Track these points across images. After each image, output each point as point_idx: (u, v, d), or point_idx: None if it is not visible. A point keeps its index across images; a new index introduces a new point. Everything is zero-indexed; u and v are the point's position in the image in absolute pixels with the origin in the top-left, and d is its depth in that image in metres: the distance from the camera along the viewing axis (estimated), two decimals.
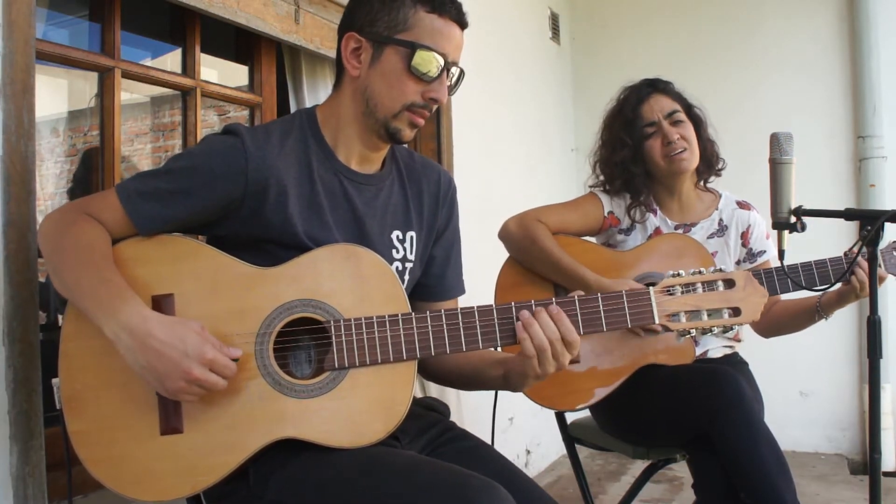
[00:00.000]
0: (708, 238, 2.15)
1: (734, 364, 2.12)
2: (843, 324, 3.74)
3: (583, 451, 2.30)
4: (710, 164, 2.16)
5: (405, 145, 1.49)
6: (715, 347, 2.15)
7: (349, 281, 1.28)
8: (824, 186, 3.81)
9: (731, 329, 1.32)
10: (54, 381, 1.25)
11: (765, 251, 2.17)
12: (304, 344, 1.31)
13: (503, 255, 2.11)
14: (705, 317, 1.29)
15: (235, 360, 1.20)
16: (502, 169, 3.55)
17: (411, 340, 1.26)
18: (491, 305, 1.29)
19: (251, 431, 1.22)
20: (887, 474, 3.51)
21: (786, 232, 1.58)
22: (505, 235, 2.09)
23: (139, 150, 3.99)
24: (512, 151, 3.70)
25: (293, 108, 2.63)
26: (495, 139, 3.53)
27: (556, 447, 3.75)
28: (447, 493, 1.11)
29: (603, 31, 4.43)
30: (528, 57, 3.97)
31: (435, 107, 1.37)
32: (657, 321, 1.29)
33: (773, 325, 2.13)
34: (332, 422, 1.23)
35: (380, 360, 1.25)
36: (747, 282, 1.29)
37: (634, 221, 2.13)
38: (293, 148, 1.35)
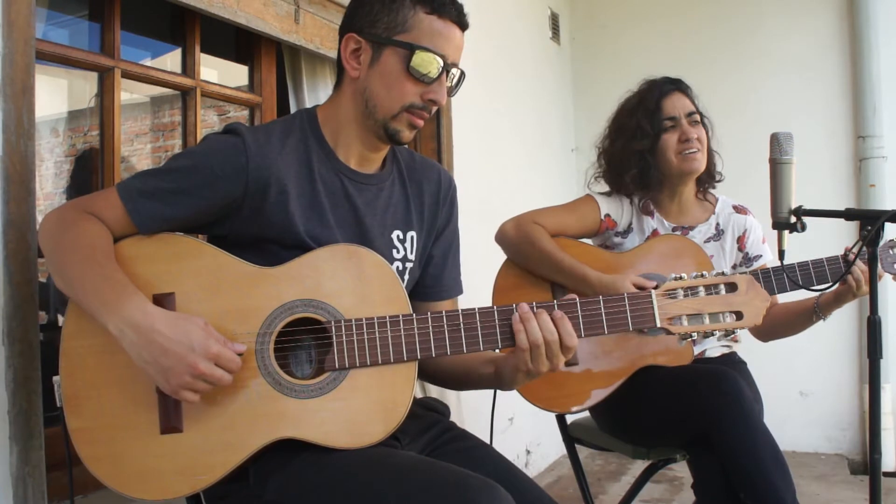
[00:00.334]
0: (704, 242, 2.15)
1: (733, 364, 2.12)
2: (842, 324, 3.75)
3: (583, 451, 2.30)
4: (711, 173, 2.17)
5: (405, 145, 1.49)
6: (713, 347, 2.16)
7: (350, 281, 1.28)
8: (824, 186, 3.81)
9: (733, 332, 1.31)
10: (55, 378, 1.25)
11: (761, 255, 2.17)
12: (305, 344, 1.31)
13: (503, 255, 2.11)
14: (707, 320, 1.29)
15: (240, 354, 1.20)
16: (502, 169, 3.55)
17: (412, 341, 1.26)
18: (492, 307, 1.29)
19: (251, 431, 1.22)
20: (887, 474, 3.51)
21: (786, 232, 1.58)
22: (502, 238, 2.08)
23: (139, 150, 3.99)
24: (512, 151, 3.70)
25: (293, 108, 2.63)
26: (495, 139, 3.53)
27: (556, 447, 3.75)
28: (447, 493, 1.11)
29: (603, 31, 4.43)
30: (528, 57, 3.97)
31: (434, 108, 1.37)
32: (659, 324, 1.29)
33: (771, 327, 2.11)
34: (333, 422, 1.23)
35: (380, 361, 1.25)
36: (749, 286, 1.29)
37: (641, 213, 2.13)
38: (294, 147, 1.35)
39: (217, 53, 2.73)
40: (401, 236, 1.45)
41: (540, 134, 4.07)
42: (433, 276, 1.53)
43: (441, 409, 1.52)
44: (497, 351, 1.42)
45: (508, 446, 3.30)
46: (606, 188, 2.23)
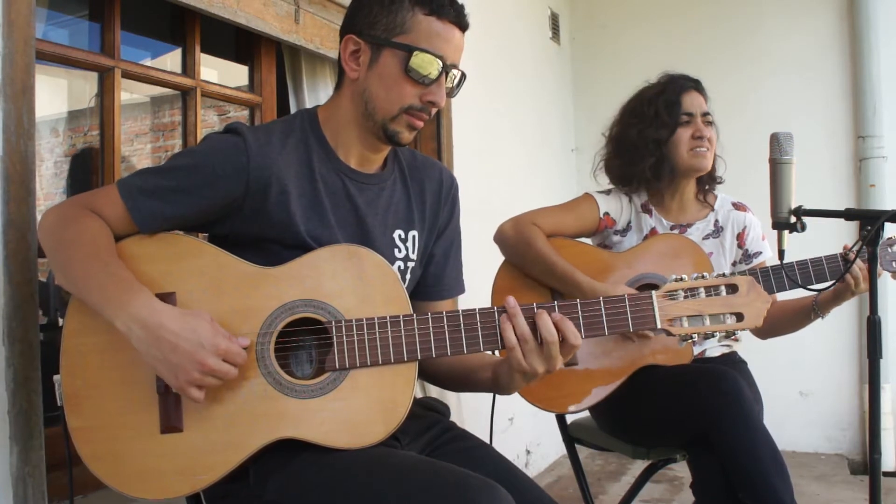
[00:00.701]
0: (703, 239, 2.15)
1: (733, 363, 2.12)
2: (842, 324, 3.75)
3: (583, 451, 2.30)
4: (712, 176, 2.19)
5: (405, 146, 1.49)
6: (713, 347, 2.16)
7: (351, 281, 1.28)
8: (824, 186, 3.81)
9: (734, 334, 1.31)
10: (55, 377, 1.25)
11: (760, 252, 2.18)
12: (306, 344, 1.31)
13: (502, 255, 2.11)
14: (707, 322, 1.29)
15: (245, 349, 1.21)
16: (502, 169, 3.55)
17: (412, 342, 1.26)
18: (493, 308, 1.29)
19: (251, 431, 1.22)
20: (887, 474, 3.51)
21: (786, 232, 1.58)
22: (500, 239, 2.08)
23: (139, 150, 3.99)
24: (512, 151, 3.70)
25: (293, 109, 2.63)
26: (495, 139, 3.53)
27: (556, 447, 3.75)
28: (447, 493, 1.11)
29: (603, 31, 4.43)
30: (528, 57, 3.97)
31: (434, 110, 1.37)
32: (659, 326, 1.29)
33: (770, 325, 2.10)
34: (333, 422, 1.23)
35: (381, 361, 1.25)
36: (750, 287, 1.29)
37: (640, 211, 2.13)
38: (294, 147, 1.35)
39: (217, 53, 2.74)
40: (402, 235, 1.45)
41: (540, 134, 4.07)
42: (434, 276, 1.53)
43: (441, 409, 1.52)
44: (497, 354, 1.42)
45: (508, 446, 3.30)
46: (605, 186, 2.23)
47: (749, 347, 2.22)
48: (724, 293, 1.29)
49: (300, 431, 1.23)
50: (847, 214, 1.56)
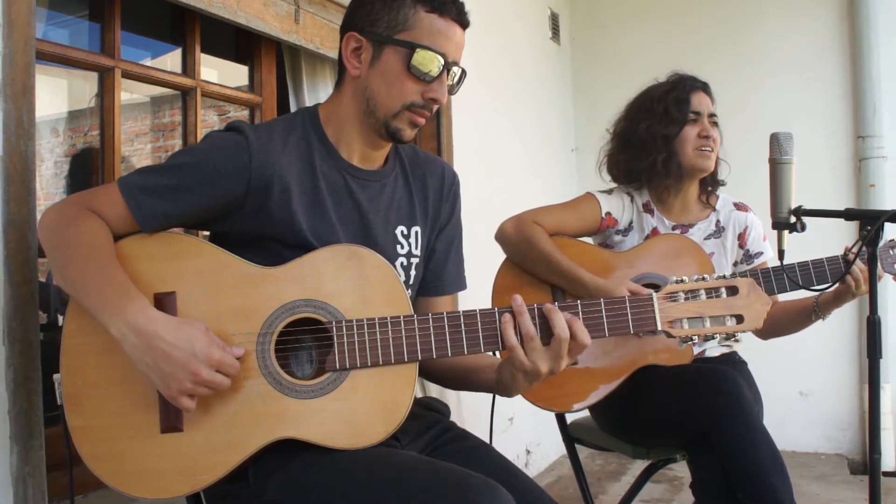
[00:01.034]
0: (704, 239, 2.15)
1: (733, 363, 2.12)
2: (842, 324, 3.75)
3: (583, 451, 2.30)
4: (715, 178, 2.19)
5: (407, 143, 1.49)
6: (713, 347, 2.16)
7: (351, 282, 1.28)
8: (824, 186, 3.81)
9: (733, 336, 1.31)
10: (55, 377, 1.25)
11: (762, 252, 2.18)
12: (306, 344, 1.31)
13: (503, 255, 2.10)
14: (708, 324, 1.29)
15: (238, 358, 1.20)
16: (502, 169, 3.55)
17: (413, 342, 1.26)
18: (493, 308, 1.28)
19: (251, 431, 1.22)
20: (887, 474, 3.51)
21: (786, 232, 1.58)
22: (501, 237, 2.08)
23: (139, 150, 3.99)
24: (512, 151, 3.70)
25: (293, 109, 2.63)
26: (495, 139, 3.53)
27: (556, 447, 3.75)
28: (447, 493, 1.11)
29: (603, 31, 4.43)
30: (528, 57, 3.97)
31: (435, 107, 1.37)
32: (660, 327, 1.29)
33: (771, 326, 2.11)
34: (333, 423, 1.23)
35: (381, 362, 1.25)
36: (751, 289, 1.29)
37: (642, 211, 2.13)
38: (296, 145, 1.35)
39: (217, 53, 2.73)
40: (405, 232, 1.45)
41: (540, 134, 4.07)
42: (434, 272, 1.53)
43: (441, 409, 1.52)
44: (498, 355, 1.42)
45: (508, 446, 3.30)
46: (607, 186, 2.23)
47: (749, 348, 2.22)
48: (724, 295, 1.29)
49: (300, 431, 1.23)
50: (847, 214, 1.56)
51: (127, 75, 2.15)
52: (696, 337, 1.29)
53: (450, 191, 1.53)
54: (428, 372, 1.52)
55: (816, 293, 1.98)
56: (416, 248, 1.46)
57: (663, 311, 1.29)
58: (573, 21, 4.50)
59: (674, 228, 2.15)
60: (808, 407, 3.93)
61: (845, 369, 3.86)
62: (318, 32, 2.48)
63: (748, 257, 2.18)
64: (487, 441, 1.44)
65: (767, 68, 4.00)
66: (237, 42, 2.69)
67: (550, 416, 2.21)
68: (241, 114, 3.00)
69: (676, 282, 1.30)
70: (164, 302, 1.23)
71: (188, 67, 2.39)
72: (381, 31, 1.32)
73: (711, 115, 2.12)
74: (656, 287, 1.32)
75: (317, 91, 2.65)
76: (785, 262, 1.61)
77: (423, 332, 1.26)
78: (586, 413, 2.21)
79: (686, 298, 1.29)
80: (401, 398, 1.26)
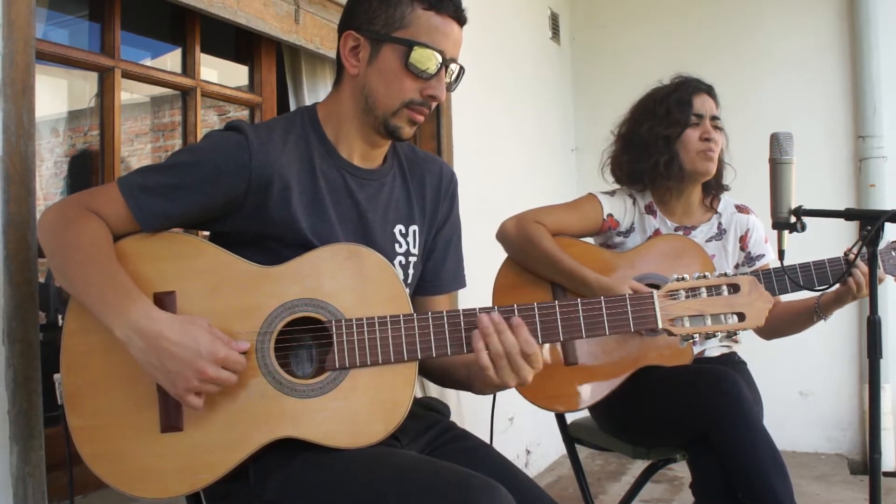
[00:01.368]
0: (706, 242, 2.15)
1: (732, 364, 2.12)
2: (843, 324, 3.74)
3: (583, 451, 2.30)
4: (720, 183, 2.19)
5: (406, 141, 1.49)
6: (713, 347, 2.16)
7: (351, 281, 1.28)
8: (824, 186, 3.81)
9: (735, 334, 1.31)
10: (56, 376, 1.25)
11: (763, 255, 2.18)
12: (306, 343, 1.31)
13: (502, 254, 2.11)
14: (709, 322, 1.29)
15: (244, 353, 1.21)
16: (502, 169, 3.55)
17: (412, 341, 1.26)
18: (493, 307, 1.28)
19: (251, 430, 1.22)
20: (887, 474, 3.51)
21: (786, 232, 1.58)
22: (503, 237, 2.08)
23: (139, 150, 3.98)
24: (512, 151, 3.70)
25: (293, 109, 2.63)
26: (495, 139, 3.52)
27: (556, 447, 3.75)
28: (447, 492, 1.11)
29: (603, 31, 4.43)
30: (528, 57, 3.97)
31: (434, 104, 1.37)
32: (660, 325, 1.28)
33: (774, 326, 2.12)
34: (333, 422, 1.23)
35: (381, 361, 1.25)
36: (752, 287, 1.29)
37: (644, 213, 2.13)
38: (295, 144, 1.35)
39: (217, 53, 2.73)
40: (403, 231, 1.45)
41: (540, 134, 4.07)
42: (433, 270, 1.53)
43: (441, 409, 1.52)
44: None
45: (508, 446, 3.30)
46: (609, 187, 2.23)
47: (749, 348, 2.22)
48: (725, 293, 1.29)
49: (300, 431, 1.23)
50: (847, 214, 1.56)
51: (127, 75, 2.15)
52: (698, 335, 1.29)
53: (447, 190, 1.53)
54: (426, 370, 1.51)
55: (818, 294, 1.98)
56: (414, 247, 1.46)
57: (664, 309, 1.29)
58: (573, 21, 4.50)
59: (676, 230, 2.14)
60: (808, 407, 3.93)
61: (845, 369, 3.86)
62: (318, 32, 2.48)
63: (749, 260, 2.18)
64: (488, 441, 1.44)
65: (767, 68, 4.00)
66: (237, 42, 2.69)
67: (550, 416, 2.21)
68: (241, 114, 3.00)
69: (677, 279, 1.30)
70: (163, 301, 1.23)
71: (188, 67, 2.39)
72: (379, 29, 1.33)
73: (714, 118, 2.11)
74: (657, 288, 1.32)
75: (317, 91, 2.65)
76: (786, 263, 1.61)
77: (423, 330, 1.26)
78: (586, 413, 2.21)
79: (687, 296, 1.29)
80: (400, 397, 1.26)
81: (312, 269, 1.28)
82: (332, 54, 2.46)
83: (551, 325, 1.28)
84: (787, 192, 1.57)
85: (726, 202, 2.22)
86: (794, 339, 2.19)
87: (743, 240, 2.18)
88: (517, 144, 3.77)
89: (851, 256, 1.77)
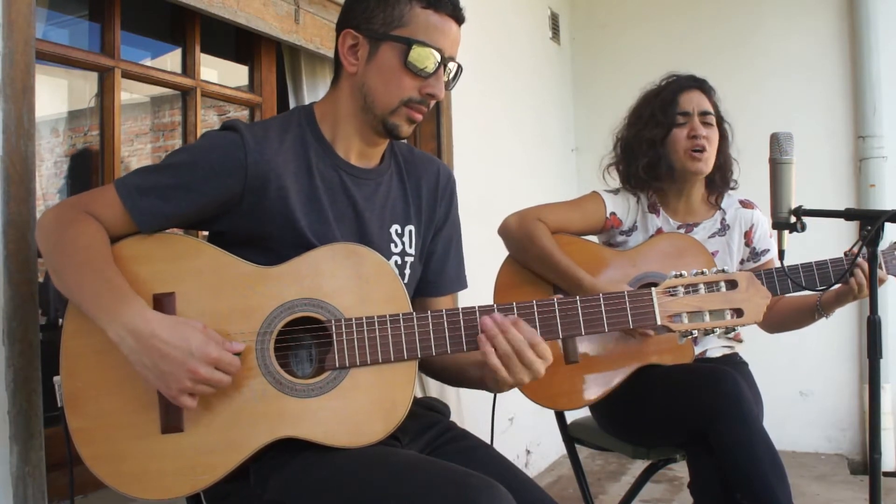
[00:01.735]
0: (709, 238, 2.15)
1: (734, 364, 2.12)
2: (843, 324, 3.74)
3: (583, 451, 2.30)
4: (725, 179, 2.17)
5: (404, 140, 1.49)
6: (714, 347, 2.16)
7: (350, 280, 1.28)
8: (824, 186, 3.81)
9: (734, 330, 1.31)
10: (56, 378, 1.25)
11: (768, 249, 2.17)
12: (306, 343, 1.31)
13: (503, 254, 2.11)
14: (707, 318, 1.29)
15: (238, 354, 1.20)
16: (502, 169, 3.55)
17: (412, 340, 1.26)
18: (493, 305, 1.28)
19: (251, 430, 1.22)
20: (887, 474, 3.51)
21: (786, 232, 1.58)
22: (504, 232, 2.08)
23: (139, 150, 3.98)
24: (512, 151, 3.70)
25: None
26: (495, 139, 3.53)
27: (556, 447, 3.75)
28: (448, 492, 1.11)
29: (603, 31, 4.43)
30: (528, 57, 3.97)
31: (433, 102, 1.37)
32: (659, 322, 1.29)
33: (777, 321, 2.14)
34: (333, 421, 1.23)
35: (380, 360, 1.25)
36: (750, 283, 1.29)
37: (647, 211, 2.13)
38: (292, 143, 1.35)
39: (217, 53, 2.74)
40: (399, 230, 1.45)
41: (540, 134, 4.07)
42: (434, 272, 1.53)
43: (441, 409, 1.52)
44: None
45: (508, 446, 3.30)
46: (613, 186, 2.23)
47: (749, 348, 2.22)
48: (723, 289, 1.29)
49: (300, 430, 1.23)
50: (847, 214, 1.56)
51: (127, 75, 2.15)
52: (697, 331, 1.29)
53: (444, 191, 1.53)
54: (423, 367, 1.51)
55: (819, 291, 1.98)
56: (410, 247, 1.46)
57: (663, 306, 1.29)
58: (573, 21, 4.50)
59: (679, 228, 2.14)
60: (808, 407, 3.93)
61: (845, 369, 3.86)
62: (318, 32, 2.48)
63: (755, 255, 2.18)
64: (488, 441, 1.44)
65: (767, 68, 4.00)
66: (237, 42, 2.70)
67: (550, 416, 2.21)
68: (241, 114, 3.00)
69: (675, 276, 1.30)
70: (163, 302, 1.23)
71: (188, 67, 2.39)
72: (378, 27, 1.33)
73: (705, 114, 2.09)
74: (656, 287, 1.32)
75: (317, 91, 2.65)
76: (787, 264, 1.62)
77: (423, 330, 1.27)
78: (586, 413, 2.21)
79: (685, 293, 1.29)
80: (400, 396, 1.26)
81: (312, 269, 1.28)
82: (332, 54, 2.47)
83: (550, 323, 1.28)
84: (787, 192, 1.57)
85: (730, 197, 2.21)
86: (794, 339, 2.19)
87: (748, 235, 2.18)
88: (517, 144, 3.77)
89: (852, 255, 1.77)
